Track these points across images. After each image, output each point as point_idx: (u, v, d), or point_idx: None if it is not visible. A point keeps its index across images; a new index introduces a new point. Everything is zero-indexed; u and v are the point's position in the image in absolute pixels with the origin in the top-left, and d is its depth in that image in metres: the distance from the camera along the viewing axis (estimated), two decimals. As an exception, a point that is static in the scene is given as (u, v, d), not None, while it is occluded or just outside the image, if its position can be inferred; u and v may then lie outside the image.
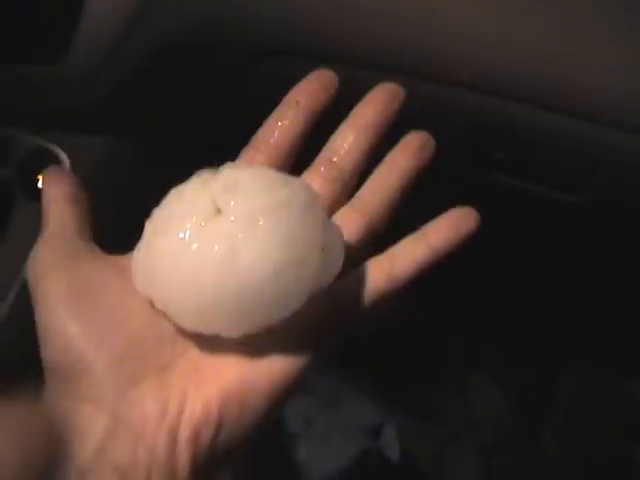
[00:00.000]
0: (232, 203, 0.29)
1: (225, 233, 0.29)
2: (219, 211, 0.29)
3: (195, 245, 0.29)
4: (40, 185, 0.50)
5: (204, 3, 0.45)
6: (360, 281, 0.32)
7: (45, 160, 0.49)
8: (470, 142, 0.48)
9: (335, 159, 0.35)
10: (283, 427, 0.75)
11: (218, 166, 0.31)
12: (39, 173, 0.50)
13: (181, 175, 0.32)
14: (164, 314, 0.30)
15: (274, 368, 0.30)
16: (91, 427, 0.29)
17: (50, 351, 0.30)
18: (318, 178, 0.35)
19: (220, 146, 0.32)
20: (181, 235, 0.29)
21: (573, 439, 0.85)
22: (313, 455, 0.73)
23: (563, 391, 0.88)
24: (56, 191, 0.34)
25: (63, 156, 0.50)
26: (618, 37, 0.43)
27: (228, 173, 0.30)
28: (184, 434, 0.29)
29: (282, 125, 0.35)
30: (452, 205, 0.34)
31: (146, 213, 0.32)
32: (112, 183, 0.50)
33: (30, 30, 0.46)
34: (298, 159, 0.35)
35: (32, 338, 0.31)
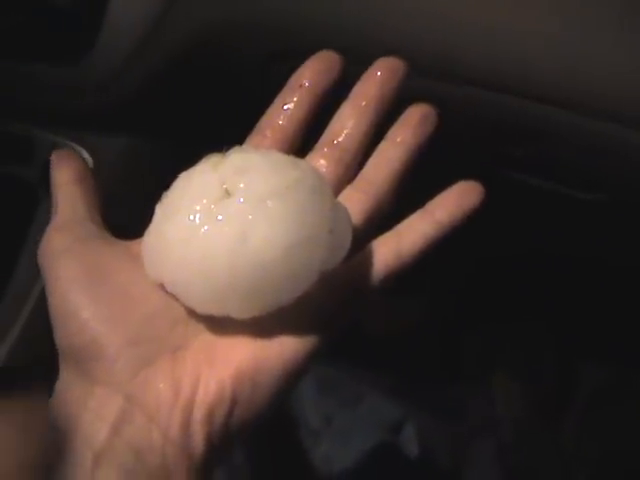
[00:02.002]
0: (241, 185, 0.29)
1: (235, 215, 0.29)
2: (228, 194, 0.29)
3: (205, 228, 0.29)
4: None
5: (219, 8, 0.46)
6: (369, 259, 0.33)
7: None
8: (489, 140, 0.48)
9: (338, 140, 0.35)
10: (303, 424, 0.75)
11: (227, 150, 0.32)
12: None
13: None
14: (175, 297, 0.31)
15: (285, 348, 0.31)
16: (105, 409, 0.29)
17: (63, 334, 0.30)
18: (322, 160, 0.35)
19: (236, 144, 0.33)
20: (191, 218, 0.29)
21: (591, 438, 0.85)
22: (333, 450, 0.74)
23: (581, 390, 0.88)
24: (66, 174, 0.34)
25: (86, 156, 0.50)
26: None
27: (237, 156, 0.31)
28: (198, 414, 0.29)
29: (287, 109, 0.35)
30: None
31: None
32: (134, 181, 0.50)
33: (53, 32, 0.47)
34: (304, 142, 0.36)
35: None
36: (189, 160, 0.32)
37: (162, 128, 0.53)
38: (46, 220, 0.33)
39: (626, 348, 0.86)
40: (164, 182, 0.32)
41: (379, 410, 0.76)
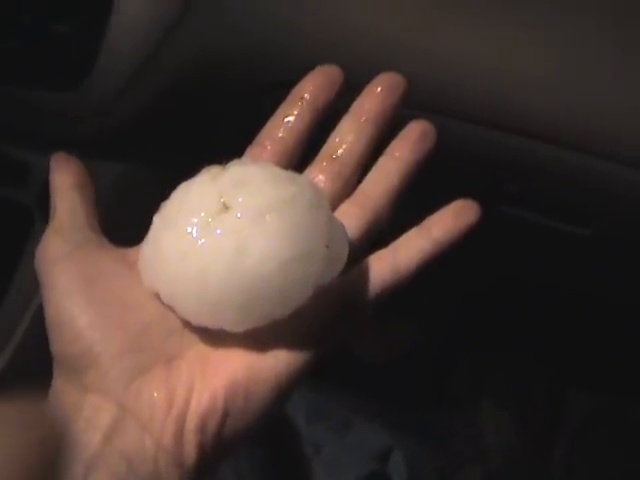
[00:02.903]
0: (239, 199, 0.30)
1: (232, 229, 0.29)
2: (226, 207, 0.30)
3: (202, 241, 0.29)
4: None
5: (214, 42, 0.47)
6: (364, 274, 0.33)
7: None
8: (484, 176, 0.48)
9: (337, 155, 0.35)
10: (293, 450, 0.75)
11: (226, 162, 0.32)
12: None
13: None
14: (170, 308, 0.31)
15: (279, 361, 0.31)
16: (98, 417, 0.29)
17: (59, 342, 0.31)
18: (320, 174, 0.35)
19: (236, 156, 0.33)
20: (189, 230, 0.30)
21: (581, 465, 0.85)
22: (322, 478, 0.74)
23: (570, 419, 0.88)
24: (65, 179, 0.34)
25: None
26: (628, 71, 0.43)
27: (236, 169, 0.31)
28: (191, 424, 0.29)
29: (287, 121, 0.35)
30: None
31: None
32: (129, 206, 0.51)
33: (50, 58, 0.47)
34: (304, 155, 0.36)
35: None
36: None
37: (157, 154, 0.54)
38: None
39: (613, 375, 0.86)
40: (158, 205, 0.32)
41: (368, 438, 0.76)
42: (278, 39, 0.46)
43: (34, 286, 0.49)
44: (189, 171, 0.32)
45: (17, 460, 0.26)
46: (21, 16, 0.47)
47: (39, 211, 0.53)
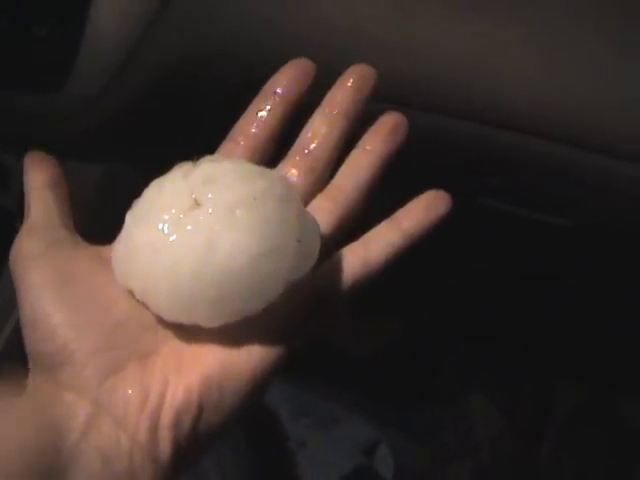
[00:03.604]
0: (210, 195, 0.30)
1: (203, 225, 0.29)
2: (197, 204, 0.30)
3: (174, 237, 0.30)
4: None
5: (196, 37, 0.47)
6: (336, 268, 0.33)
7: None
8: (464, 169, 0.49)
9: (309, 149, 0.35)
10: (277, 444, 0.75)
11: (198, 159, 0.32)
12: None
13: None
14: (144, 304, 0.31)
15: (253, 355, 0.31)
16: (73, 414, 0.29)
17: (34, 340, 0.31)
18: (293, 169, 0.35)
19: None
20: (160, 226, 0.30)
21: (569, 459, 0.86)
22: (308, 474, 0.74)
23: (558, 411, 0.89)
24: (39, 178, 0.34)
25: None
26: (612, 67, 0.43)
27: (206, 166, 0.31)
28: (165, 419, 0.30)
29: (260, 116, 0.35)
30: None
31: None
32: (110, 207, 0.51)
33: (29, 59, 0.47)
34: (277, 149, 0.36)
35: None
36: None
37: (138, 155, 0.54)
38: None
39: (604, 369, 0.87)
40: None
41: (353, 432, 0.76)
42: (256, 36, 0.46)
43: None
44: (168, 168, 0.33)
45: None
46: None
47: (21, 215, 0.53)
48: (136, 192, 0.32)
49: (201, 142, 0.52)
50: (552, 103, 0.44)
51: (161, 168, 0.33)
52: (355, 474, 0.72)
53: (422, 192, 0.35)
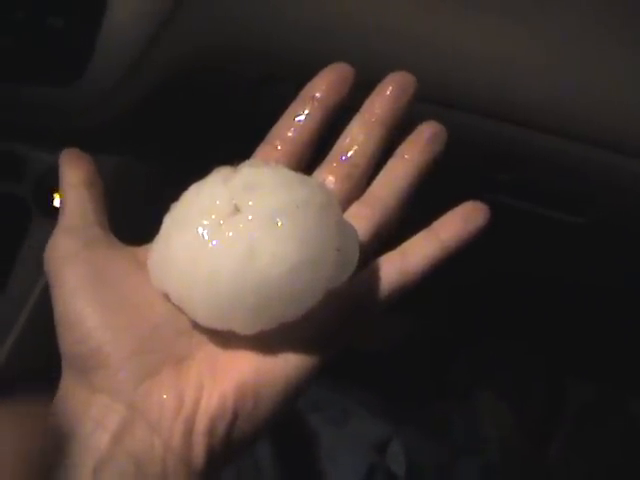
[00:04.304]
0: (250, 202, 0.30)
1: (243, 232, 0.29)
2: (237, 210, 0.30)
3: (213, 243, 0.29)
4: (56, 203, 0.51)
5: (211, 33, 0.47)
6: (374, 277, 0.33)
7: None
8: (478, 165, 0.48)
9: (347, 156, 0.35)
10: (290, 440, 0.75)
11: (237, 163, 0.32)
12: (54, 191, 0.52)
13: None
14: (180, 308, 0.31)
15: (288, 363, 0.31)
16: (107, 417, 0.29)
17: (68, 341, 0.31)
18: (330, 175, 0.35)
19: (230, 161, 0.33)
20: (200, 231, 0.30)
21: (577, 459, 0.85)
22: (319, 471, 0.74)
23: (568, 409, 0.88)
24: (76, 175, 0.34)
25: None
26: (622, 64, 0.43)
27: (247, 172, 0.31)
28: (200, 425, 0.29)
29: (298, 120, 0.35)
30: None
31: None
32: (127, 199, 0.51)
33: (46, 53, 0.47)
34: (314, 154, 0.36)
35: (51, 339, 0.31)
36: (177, 180, 0.32)
37: (153, 148, 0.54)
38: (39, 235, 0.33)
39: (615, 368, 0.86)
40: (157, 197, 0.32)
41: (366, 427, 0.76)
42: (273, 32, 0.46)
43: (32, 281, 0.50)
44: (182, 167, 0.32)
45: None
46: (15, 12, 0.46)
47: (36, 204, 0.53)
48: (148, 185, 0.32)
49: (212, 137, 0.52)
50: (566, 100, 0.44)
51: (172, 166, 0.32)
52: (367, 471, 0.72)
53: (438, 193, 0.35)
